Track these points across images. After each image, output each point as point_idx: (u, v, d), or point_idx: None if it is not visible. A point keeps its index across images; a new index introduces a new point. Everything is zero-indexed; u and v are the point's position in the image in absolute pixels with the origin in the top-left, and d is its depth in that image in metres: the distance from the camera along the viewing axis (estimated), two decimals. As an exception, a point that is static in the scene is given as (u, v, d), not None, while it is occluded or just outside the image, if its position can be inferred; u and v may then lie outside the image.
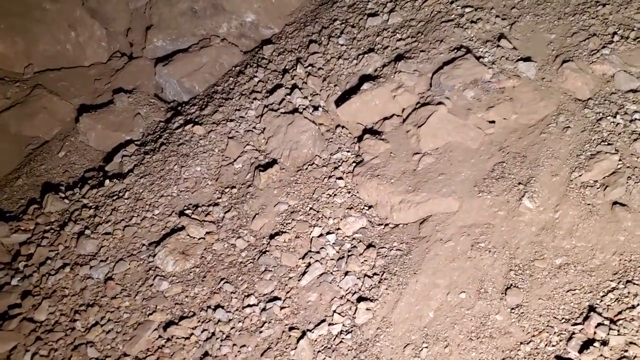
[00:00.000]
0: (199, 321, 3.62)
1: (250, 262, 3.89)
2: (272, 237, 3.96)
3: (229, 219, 4.14)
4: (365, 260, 3.68)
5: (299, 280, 3.71)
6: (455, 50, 4.40)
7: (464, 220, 3.63)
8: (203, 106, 5.24)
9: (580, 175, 3.52)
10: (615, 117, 3.74)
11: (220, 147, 4.63)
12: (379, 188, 3.97)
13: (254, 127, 4.70)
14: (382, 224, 3.89)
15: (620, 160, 3.49)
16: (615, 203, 3.32)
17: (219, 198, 4.31)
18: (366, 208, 3.99)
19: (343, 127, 4.50)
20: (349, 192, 4.06)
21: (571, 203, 3.42)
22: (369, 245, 3.78)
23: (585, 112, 3.85)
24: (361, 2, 5.49)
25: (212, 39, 6.04)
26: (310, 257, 3.78)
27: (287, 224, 3.99)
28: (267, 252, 3.87)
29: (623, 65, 4.03)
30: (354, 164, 4.21)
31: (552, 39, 4.39)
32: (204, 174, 4.48)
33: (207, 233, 4.06)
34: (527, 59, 4.25)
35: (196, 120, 5.01)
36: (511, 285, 3.24)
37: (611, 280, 3.05)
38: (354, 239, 3.84)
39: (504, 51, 4.32)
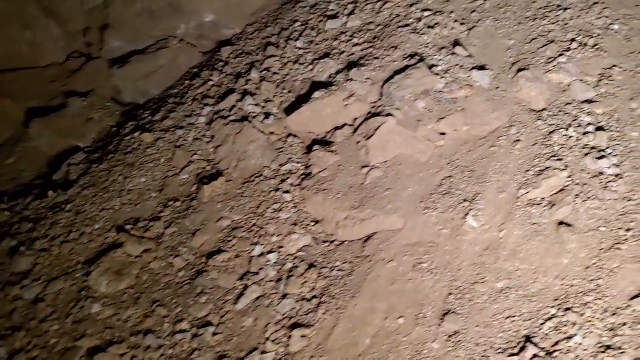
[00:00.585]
0: (128, 347, 3.47)
1: (187, 283, 3.74)
2: (211, 255, 3.81)
3: (169, 235, 3.98)
4: (306, 282, 3.54)
5: (234, 304, 3.57)
6: (409, 58, 4.25)
7: (408, 239, 3.50)
8: (156, 111, 5.08)
9: (527, 193, 3.38)
10: (568, 129, 3.61)
11: (167, 157, 4.47)
12: (325, 203, 3.82)
13: (204, 135, 4.54)
14: (327, 241, 3.75)
15: (569, 177, 3.36)
16: (561, 223, 3.19)
17: (161, 212, 4.15)
18: (312, 224, 3.85)
19: (295, 136, 4.35)
20: (295, 207, 3.91)
21: (516, 222, 3.29)
22: (311, 266, 3.63)
23: (538, 124, 3.71)
24: (324, 2, 5.32)
25: (170, 39, 5.85)
26: (248, 279, 3.63)
27: (228, 242, 3.84)
28: (204, 273, 3.73)
29: (579, 75, 3.89)
30: (303, 177, 4.05)
31: (510, 45, 4.24)
32: (148, 185, 4.32)
33: (145, 251, 3.90)
34: (482, 68, 4.10)
35: (146, 127, 4.85)
36: (450, 310, 3.11)
37: (551, 307, 2.93)
38: (296, 257, 3.69)
39: (459, 59, 4.17)
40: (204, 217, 4.01)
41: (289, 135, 4.33)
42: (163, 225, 4.06)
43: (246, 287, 3.62)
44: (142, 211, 4.18)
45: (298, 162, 4.15)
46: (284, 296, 3.53)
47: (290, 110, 4.40)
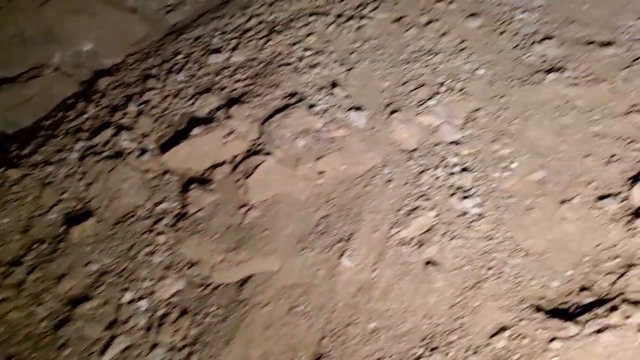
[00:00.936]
0: (-26, 413, 3.16)
1: (50, 334, 3.48)
2: (77, 303, 3.58)
3: (32, 281, 3.70)
4: (178, 329, 3.41)
5: (100, 355, 3.36)
6: (289, 97, 4.29)
7: (285, 281, 3.48)
8: (25, 144, 4.75)
9: (398, 232, 3.48)
10: (436, 169, 3.77)
11: (34, 195, 4.19)
12: (201, 245, 3.73)
13: (75, 172, 4.31)
14: (202, 285, 3.64)
15: (436, 216, 3.50)
16: (428, 262, 3.31)
17: (24, 255, 3.85)
18: (187, 267, 3.72)
19: (172, 173, 4.22)
20: (170, 249, 3.78)
21: (388, 262, 3.37)
22: (184, 312, 3.51)
23: (409, 164, 3.85)
24: (208, 36, 5.28)
25: (44, 68, 5.55)
26: (116, 328, 3.44)
27: (96, 287, 3.63)
28: (69, 322, 3.49)
29: (447, 117, 4.10)
30: (179, 217, 3.93)
31: (385, 87, 4.40)
32: (11, 226, 4.01)
33: (3, 300, 3.59)
34: (359, 108, 4.22)
35: (13, 161, 4.52)
36: (323, 354, 3.11)
37: (419, 347, 3.01)
38: (169, 303, 3.55)
39: (337, 99, 4.27)
40: (72, 261, 3.77)
41: (166, 172, 4.20)
42: (25, 270, 3.77)
43: (114, 337, 3.42)
44: (3, 255, 3.86)
45: (174, 201, 4.03)
46: (154, 345, 3.37)
47: (167, 146, 4.28)
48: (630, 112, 3.93)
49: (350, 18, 5.01)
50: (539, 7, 4.98)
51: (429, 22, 4.86)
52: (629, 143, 3.72)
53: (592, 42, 4.56)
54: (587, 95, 4.11)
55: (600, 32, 4.67)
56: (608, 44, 4.52)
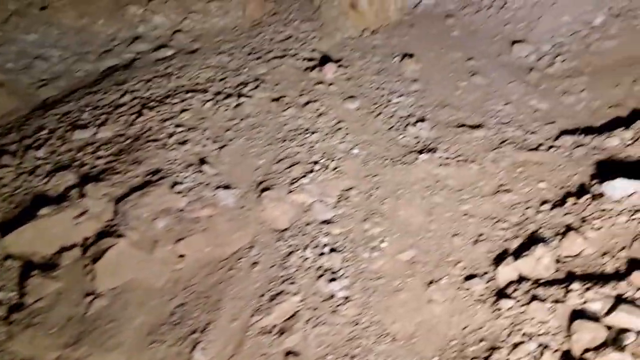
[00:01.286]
0: None
1: None
2: None
3: None
4: None
5: None
6: (152, 174, 4.00)
7: (127, 380, 3.02)
8: None
9: (260, 319, 3.19)
10: (305, 250, 3.56)
11: None
12: (34, 340, 3.23)
13: None
14: (32, 388, 3.11)
15: (301, 300, 3.25)
16: (289, 352, 3.01)
17: None
18: (16, 367, 3.19)
19: (14, 258, 3.72)
20: (-2, 347, 3.24)
21: (246, 353, 3.05)
22: (0, 423, 2.95)
23: (278, 245, 3.62)
24: (77, 111, 4.96)
25: None
26: None
27: None
28: None
29: (320, 195, 3.95)
30: (14, 308, 3.42)
31: (260, 165, 4.24)
32: None
33: None
34: (228, 187, 3.99)
35: None
36: None
37: None
38: (-18, 414, 2.98)
39: (205, 177, 4.03)
40: None
41: (7, 257, 3.71)
42: None
43: None
44: None
45: (12, 291, 3.53)
46: None
47: (10, 227, 3.80)
48: (498, 192, 3.96)
49: (229, 96, 4.90)
50: (415, 92, 5.10)
51: (308, 103, 4.84)
52: (495, 222, 3.70)
53: (463, 125, 4.67)
54: (457, 175, 4.13)
55: (471, 115, 4.81)
56: (478, 126, 4.64)
